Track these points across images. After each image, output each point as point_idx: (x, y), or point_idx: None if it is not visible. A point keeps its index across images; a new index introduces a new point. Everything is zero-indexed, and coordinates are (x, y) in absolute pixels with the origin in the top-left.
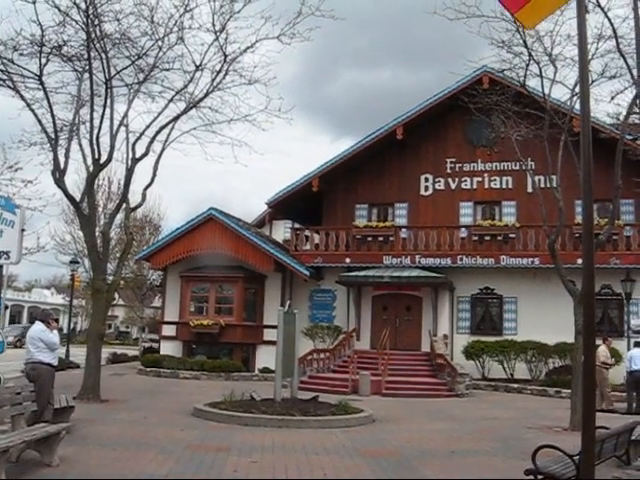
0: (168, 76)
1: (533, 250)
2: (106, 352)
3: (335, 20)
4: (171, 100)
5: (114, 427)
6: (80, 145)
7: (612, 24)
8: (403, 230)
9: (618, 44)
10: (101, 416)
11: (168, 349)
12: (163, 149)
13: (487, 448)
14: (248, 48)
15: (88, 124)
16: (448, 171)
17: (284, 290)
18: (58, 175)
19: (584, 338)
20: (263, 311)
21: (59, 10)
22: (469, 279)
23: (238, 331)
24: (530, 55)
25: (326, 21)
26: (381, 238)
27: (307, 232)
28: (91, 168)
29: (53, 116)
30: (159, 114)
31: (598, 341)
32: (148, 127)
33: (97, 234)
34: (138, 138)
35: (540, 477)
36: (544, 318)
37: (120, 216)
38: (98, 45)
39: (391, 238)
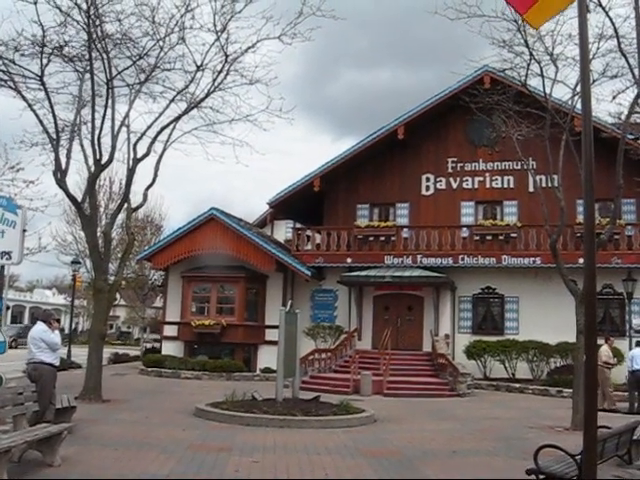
0: (169, 76)
1: (535, 250)
2: (108, 352)
3: (336, 20)
4: (172, 100)
5: (116, 427)
6: (81, 145)
7: (613, 23)
8: (404, 230)
9: (619, 43)
10: (103, 416)
11: (170, 349)
12: (164, 149)
13: (489, 448)
14: (249, 48)
15: (89, 124)
16: (449, 171)
17: (285, 290)
18: (60, 175)
19: (586, 338)
20: (264, 311)
21: (60, 11)
22: (471, 279)
23: (239, 331)
24: (531, 55)
25: (327, 21)
26: (382, 238)
27: (308, 232)
28: (92, 168)
29: (54, 116)
30: (160, 114)
31: (600, 341)
32: (149, 127)
33: (98, 234)
34: (139, 138)
35: (542, 477)
36: (546, 318)
37: (121, 216)
38: (99, 45)
39: (392, 238)
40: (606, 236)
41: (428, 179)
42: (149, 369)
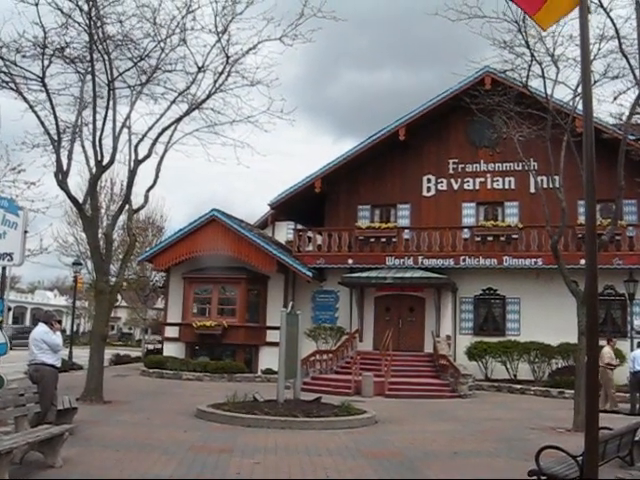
0: (170, 78)
1: (536, 251)
2: (109, 353)
3: (336, 21)
4: (173, 102)
5: (117, 428)
6: (83, 147)
7: (614, 24)
8: (406, 231)
9: (620, 44)
10: (104, 417)
11: (171, 350)
12: (165, 151)
13: (490, 449)
14: (250, 49)
15: (91, 126)
16: (450, 172)
17: (287, 291)
18: (61, 177)
19: (587, 339)
20: (266, 312)
21: (62, 12)
22: (472, 280)
23: (241, 332)
24: (532, 56)
25: (328, 22)
26: (384, 239)
27: (310, 233)
28: (94, 170)
29: (56, 118)
30: (161, 116)
31: (602, 342)
32: (150, 129)
33: (100, 236)
34: (141, 140)
35: (543, 478)
36: (547, 319)
37: (123, 218)
38: (101, 47)
39: (394, 239)
40: (607, 237)
41: (429, 180)
42: (150, 370)
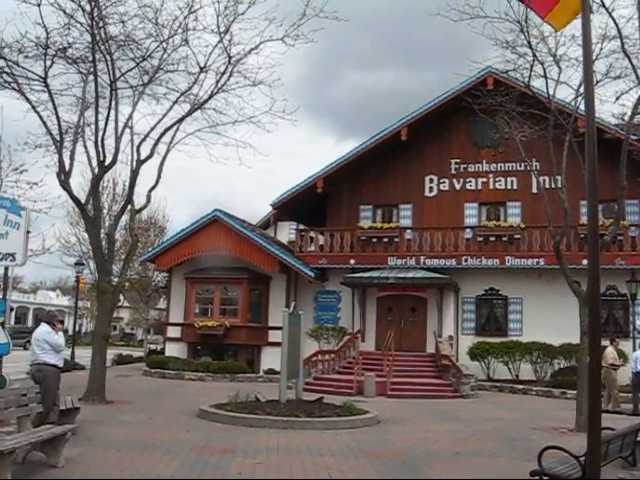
0: (173, 78)
1: (538, 251)
2: (111, 353)
3: (339, 21)
4: (176, 102)
5: (119, 428)
6: (85, 147)
7: (617, 24)
8: (408, 231)
9: (623, 44)
10: (106, 417)
11: (173, 351)
12: (168, 151)
13: (492, 449)
14: (252, 49)
15: (93, 126)
16: (453, 172)
17: (289, 291)
18: (63, 177)
19: (589, 339)
20: (268, 312)
21: (64, 12)
22: (474, 280)
23: (243, 332)
24: (534, 56)
25: (330, 22)
26: (386, 239)
27: (312, 233)
28: (96, 170)
29: (58, 118)
30: (164, 116)
31: (605, 342)
32: (153, 129)
33: (102, 236)
34: (143, 140)
35: (546, 478)
36: (549, 319)
37: (125, 218)
38: (103, 47)
39: (396, 239)
40: (610, 237)
41: (431, 180)
42: (153, 370)
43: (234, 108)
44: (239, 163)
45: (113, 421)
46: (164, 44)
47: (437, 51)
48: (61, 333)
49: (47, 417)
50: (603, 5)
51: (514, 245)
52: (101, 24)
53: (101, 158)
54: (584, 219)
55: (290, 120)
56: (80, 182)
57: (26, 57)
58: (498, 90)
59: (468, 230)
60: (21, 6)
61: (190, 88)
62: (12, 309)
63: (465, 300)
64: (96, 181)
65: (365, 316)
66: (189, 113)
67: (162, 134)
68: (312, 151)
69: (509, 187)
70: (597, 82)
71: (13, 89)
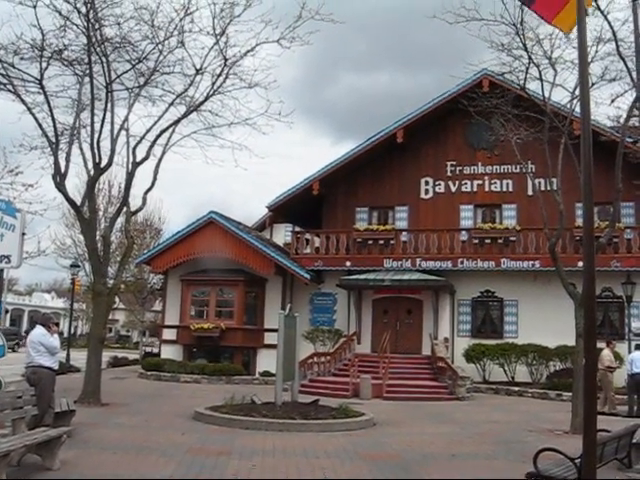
0: (168, 80)
1: (534, 253)
2: (107, 356)
3: (334, 24)
4: (172, 104)
5: (115, 431)
6: (81, 149)
7: (612, 27)
8: (404, 233)
9: (618, 47)
10: (102, 420)
11: (169, 353)
12: (163, 153)
13: (488, 451)
14: (248, 52)
15: (89, 128)
16: (448, 174)
17: (285, 293)
18: (59, 179)
19: (585, 341)
20: (264, 315)
21: (60, 14)
22: (470, 282)
23: (239, 335)
24: (530, 58)
25: (325, 25)
26: (382, 241)
27: (308, 235)
28: (92, 172)
29: (54, 120)
30: (160, 118)
31: (602, 344)
32: (149, 131)
33: (98, 238)
34: (139, 142)
35: None
36: (545, 321)
37: (121, 220)
38: (99, 49)
39: (392, 241)
40: (605, 239)
41: (427, 182)
42: (148, 373)
43: (230, 110)
44: (235, 165)
45: (108, 423)
46: (160, 46)
47: (433, 53)
48: (56, 335)
49: (42, 420)
50: (598, 8)
51: (510, 247)
52: (97, 26)
53: (97, 160)
54: (580, 221)
55: (286, 122)
56: (76, 184)
57: (22, 59)
58: (494, 92)
59: (464, 232)
60: (17, 8)
61: (186, 90)
62: (7, 311)
63: (461, 302)
64: (92, 183)
65: (361, 318)
66: (185, 115)
67: (158, 136)
68: (308, 153)
69: (505, 189)
70: (592, 85)
71: (9, 91)
